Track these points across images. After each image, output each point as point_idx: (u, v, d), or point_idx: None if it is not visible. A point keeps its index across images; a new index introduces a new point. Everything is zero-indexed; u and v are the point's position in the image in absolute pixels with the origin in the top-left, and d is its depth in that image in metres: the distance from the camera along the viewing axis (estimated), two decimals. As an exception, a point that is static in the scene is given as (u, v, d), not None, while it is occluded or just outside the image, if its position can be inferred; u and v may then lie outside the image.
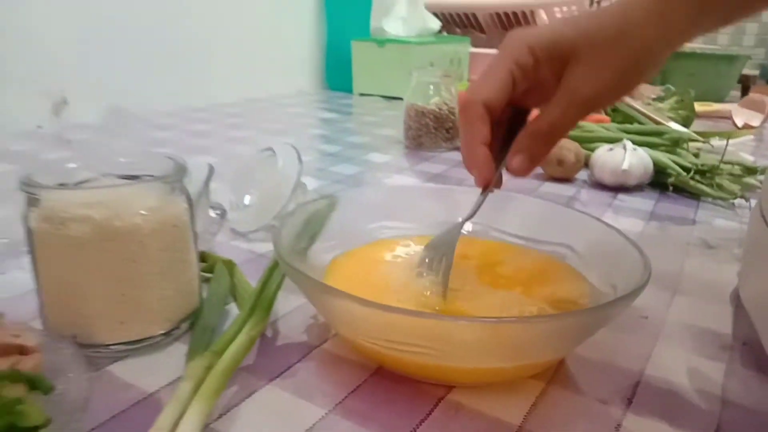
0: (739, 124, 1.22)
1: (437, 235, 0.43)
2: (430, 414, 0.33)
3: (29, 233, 0.36)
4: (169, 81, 1.28)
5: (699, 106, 1.33)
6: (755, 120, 1.21)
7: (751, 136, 1.06)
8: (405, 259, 0.44)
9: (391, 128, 1.12)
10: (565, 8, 1.65)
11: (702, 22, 0.39)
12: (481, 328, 0.31)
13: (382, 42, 1.48)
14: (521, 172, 0.39)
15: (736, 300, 0.47)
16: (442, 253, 0.40)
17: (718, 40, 3.74)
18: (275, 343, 0.40)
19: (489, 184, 0.39)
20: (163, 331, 0.38)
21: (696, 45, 1.79)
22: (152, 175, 0.39)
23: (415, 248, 0.46)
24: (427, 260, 0.41)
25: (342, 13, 1.60)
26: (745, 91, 1.96)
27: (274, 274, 0.41)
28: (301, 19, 1.60)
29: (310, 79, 1.67)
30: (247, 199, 0.60)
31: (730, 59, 1.55)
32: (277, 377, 0.36)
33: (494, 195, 0.44)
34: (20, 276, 0.47)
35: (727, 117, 1.30)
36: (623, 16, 0.38)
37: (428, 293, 0.38)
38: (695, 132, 0.97)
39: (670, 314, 0.45)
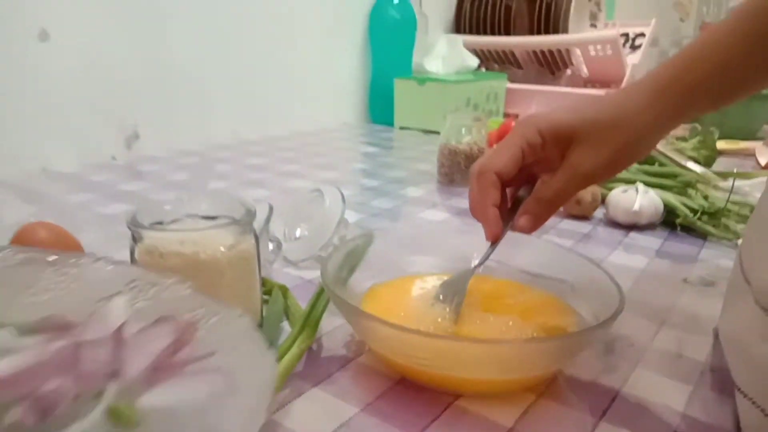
0: (762, 162, 1.27)
1: (452, 277, 0.52)
2: (440, 416, 0.42)
3: (134, 262, 0.47)
4: (227, 116, 1.40)
5: (724, 144, 1.39)
6: (764, 158, 1.26)
7: (766, 178, 1.11)
8: (427, 292, 0.53)
9: (427, 163, 1.22)
10: (599, 46, 1.73)
11: (689, 112, 0.47)
12: (482, 348, 0.40)
13: (423, 80, 1.58)
14: (527, 230, 0.49)
15: (717, 332, 0.55)
16: (454, 292, 0.49)
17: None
18: (320, 355, 0.50)
19: (498, 239, 0.49)
20: (233, 342, 0.48)
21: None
22: (228, 216, 0.49)
23: (437, 283, 0.55)
24: (441, 296, 0.50)
25: (386, 52, 1.72)
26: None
27: (321, 298, 0.51)
28: (348, 56, 1.71)
29: (354, 112, 1.78)
30: (298, 233, 0.70)
31: (762, 98, 1.60)
32: (321, 382, 0.46)
33: (508, 238, 0.53)
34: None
35: (752, 155, 1.35)
36: (620, 105, 0.47)
37: (440, 320, 0.48)
38: (716, 172, 1.04)
39: (654, 343, 0.53)
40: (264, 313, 0.53)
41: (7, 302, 0.37)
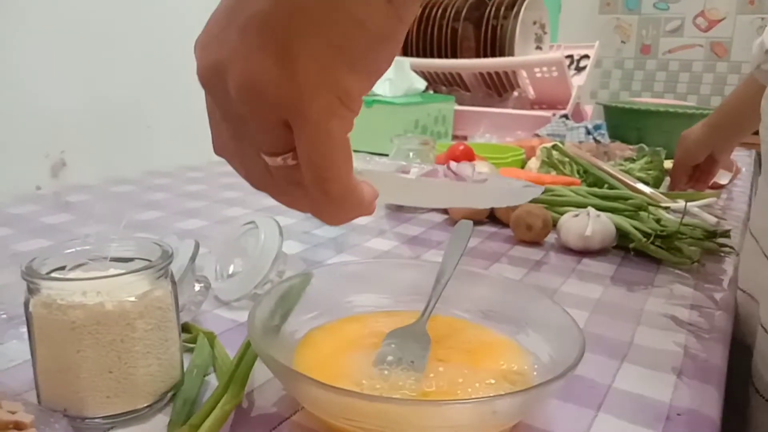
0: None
1: (398, 331, 0.47)
2: (385, 484, 0.37)
3: (29, 316, 0.40)
4: (167, 141, 1.33)
5: (670, 164, 1.39)
6: (724, 178, 1.27)
7: (714, 198, 1.11)
8: (372, 340, 0.48)
9: (375, 188, 1.17)
10: (545, 68, 1.74)
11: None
12: (438, 410, 0.35)
13: (371, 103, 1.54)
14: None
15: (678, 371, 0.52)
16: (409, 358, 0.44)
17: (701, 90, 3.87)
18: (250, 413, 0.44)
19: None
20: (147, 404, 0.42)
21: (669, 103, 1.88)
22: (143, 259, 0.43)
23: (384, 324, 0.50)
24: (390, 358, 0.44)
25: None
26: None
27: (249, 350, 0.45)
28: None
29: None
30: (231, 269, 0.64)
31: (703, 117, 1.62)
32: (249, 449, 0.40)
33: (456, 272, 0.49)
34: (18, 346, 0.51)
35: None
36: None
37: (386, 372, 0.42)
38: (663, 193, 1.03)
39: (616, 382, 0.49)
40: (187, 365, 0.47)
41: None
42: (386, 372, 0.42)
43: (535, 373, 0.44)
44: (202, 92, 0.33)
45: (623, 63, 4.19)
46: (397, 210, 1.02)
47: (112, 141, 1.22)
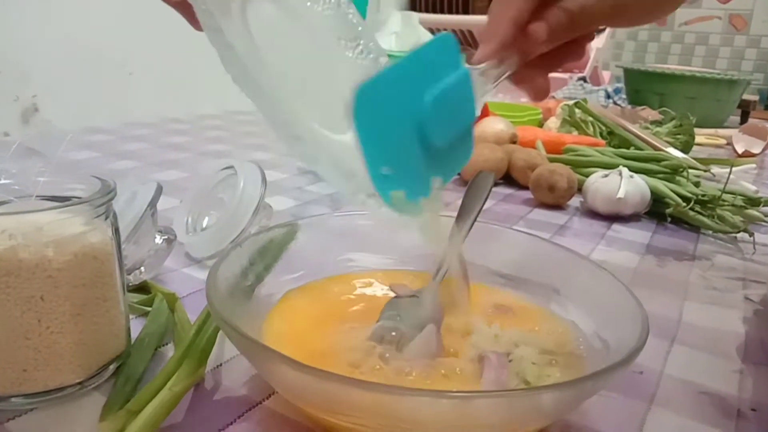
0: (739, 150, 1.17)
1: (403, 298, 0.37)
2: (381, 496, 0.28)
3: None
4: (150, 91, 1.23)
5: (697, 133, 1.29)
6: (756, 147, 1.17)
7: (753, 165, 1.01)
8: (367, 307, 0.38)
9: (378, 146, 1.07)
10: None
11: None
12: (445, 406, 0.25)
13: (374, 56, 1.43)
14: (538, 41, 0.38)
15: (743, 354, 0.42)
16: (417, 333, 0.34)
17: (717, 65, 3.75)
18: (213, 396, 0.35)
19: (494, 55, 0.38)
20: (77, 380, 0.33)
21: (695, 69, 1.76)
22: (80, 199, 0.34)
23: (379, 288, 0.40)
24: (393, 333, 0.34)
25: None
26: (744, 117, 1.93)
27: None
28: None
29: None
30: (205, 222, 0.54)
31: (730, 83, 1.51)
32: (205, 442, 0.31)
33: (473, 229, 0.39)
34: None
35: (727, 143, 1.26)
36: None
37: (382, 349, 0.33)
38: (694, 158, 0.92)
39: (667, 368, 0.40)
40: (138, 335, 0.38)
41: None
42: (386, 352, 0.32)
43: (584, 354, 0.34)
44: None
45: (637, 34, 4.04)
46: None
47: (90, 88, 1.12)
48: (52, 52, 1.04)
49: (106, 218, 0.34)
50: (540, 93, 0.42)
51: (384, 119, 0.29)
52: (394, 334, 0.33)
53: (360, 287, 0.41)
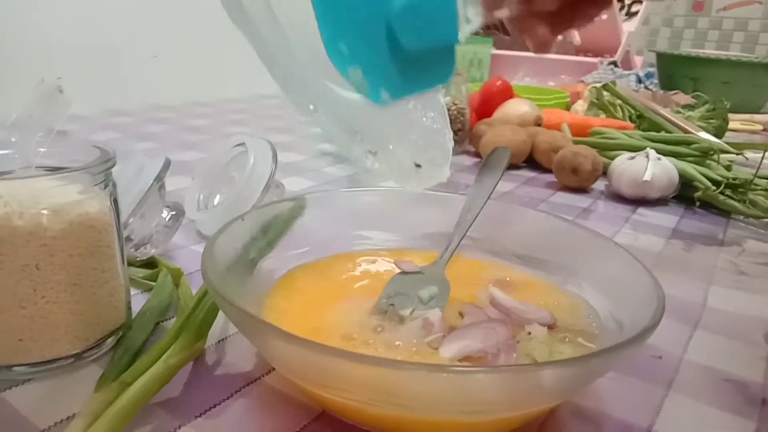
0: (777, 136, 1.13)
1: (408, 274, 0.36)
2: (377, 475, 0.26)
3: None
4: (174, 74, 1.23)
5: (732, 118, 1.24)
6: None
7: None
8: (372, 284, 0.37)
9: (399, 129, 1.06)
10: (593, 10, 1.57)
11: None
12: (445, 380, 0.24)
13: (398, 40, 1.41)
14: None
15: (770, 339, 0.40)
16: (421, 308, 0.33)
17: (756, 52, 3.62)
18: (214, 370, 0.34)
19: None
20: (74, 351, 0.32)
21: (731, 53, 1.70)
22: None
23: (385, 265, 0.39)
24: (394, 306, 0.33)
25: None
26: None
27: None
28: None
29: (323, 77, 1.61)
30: (216, 200, 0.54)
31: (767, 67, 1.45)
32: (200, 416, 0.30)
33: (487, 207, 0.38)
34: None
35: (764, 129, 1.21)
36: None
37: (381, 327, 0.31)
38: (728, 143, 0.89)
39: (688, 354, 0.38)
40: (141, 309, 0.37)
41: None
42: (385, 325, 0.31)
43: (596, 332, 0.32)
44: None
45: (672, 21, 3.92)
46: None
47: (115, 71, 1.12)
48: (77, 35, 1.05)
49: (105, 187, 0.33)
50: (541, 45, 0.39)
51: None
52: (394, 306, 0.32)
53: (365, 264, 0.40)
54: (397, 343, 0.29)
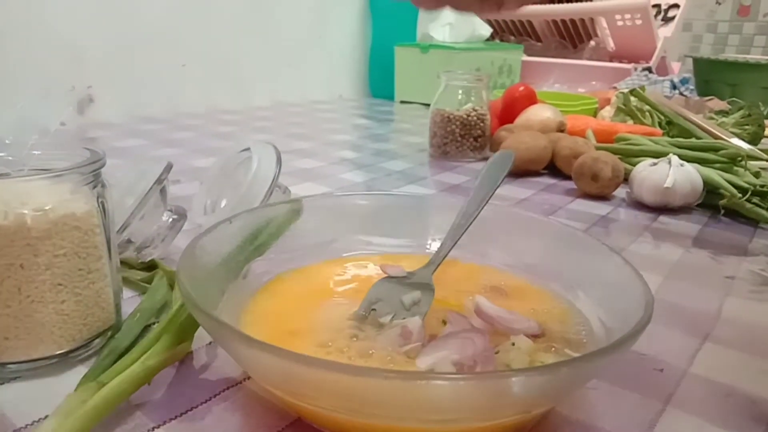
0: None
1: (392, 279, 0.35)
2: (345, 484, 0.26)
3: None
4: (202, 82, 1.25)
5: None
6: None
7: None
8: (358, 288, 0.36)
9: (422, 136, 1.05)
10: (627, 16, 1.54)
11: None
12: (411, 389, 0.23)
13: (426, 48, 1.41)
14: None
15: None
16: (402, 313, 0.32)
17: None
18: (199, 373, 0.34)
19: None
20: (60, 351, 0.33)
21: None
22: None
23: (373, 269, 0.38)
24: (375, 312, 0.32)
25: (388, 19, 1.55)
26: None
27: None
28: (345, 23, 1.55)
29: (352, 85, 1.62)
30: (223, 203, 0.54)
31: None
32: (174, 419, 0.30)
33: (484, 211, 0.37)
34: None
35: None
36: None
37: (360, 335, 0.31)
38: (762, 149, 0.85)
39: (693, 367, 0.36)
40: (133, 311, 0.37)
41: None
42: (363, 332, 0.30)
43: (584, 340, 0.31)
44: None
45: (716, 26, 3.81)
46: (441, 157, 0.89)
47: (144, 79, 1.14)
48: (107, 44, 1.08)
49: (94, 187, 0.33)
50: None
51: None
52: (374, 313, 0.31)
53: (356, 269, 0.39)
54: (371, 351, 0.29)
